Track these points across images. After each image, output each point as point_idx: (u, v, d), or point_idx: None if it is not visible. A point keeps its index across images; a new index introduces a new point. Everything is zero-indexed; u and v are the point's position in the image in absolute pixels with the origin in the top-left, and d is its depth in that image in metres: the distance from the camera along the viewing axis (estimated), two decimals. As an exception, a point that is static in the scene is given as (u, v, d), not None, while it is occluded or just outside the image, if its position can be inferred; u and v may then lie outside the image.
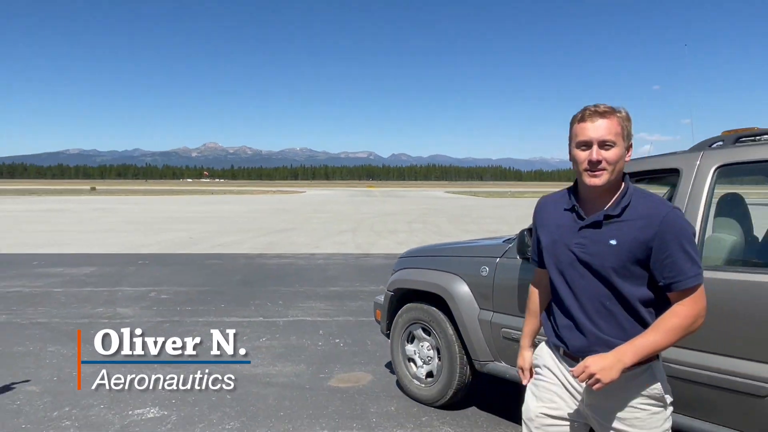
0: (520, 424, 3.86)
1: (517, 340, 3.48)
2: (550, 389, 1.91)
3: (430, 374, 4.20)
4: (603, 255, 1.72)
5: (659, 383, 1.78)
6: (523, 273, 3.48)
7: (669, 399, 1.81)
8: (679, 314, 1.67)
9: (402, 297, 4.47)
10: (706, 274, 2.69)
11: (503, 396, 4.37)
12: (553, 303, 1.94)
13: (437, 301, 4.10)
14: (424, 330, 4.22)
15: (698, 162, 2.92)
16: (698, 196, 2.83)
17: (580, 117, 1.75)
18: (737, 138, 2.93)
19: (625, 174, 1.80)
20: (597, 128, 1.69)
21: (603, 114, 1.70)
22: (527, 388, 2.03)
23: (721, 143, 2.99)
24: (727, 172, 2.88)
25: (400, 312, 4.43)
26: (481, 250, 4.02)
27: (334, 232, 18.88)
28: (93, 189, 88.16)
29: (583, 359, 1.75)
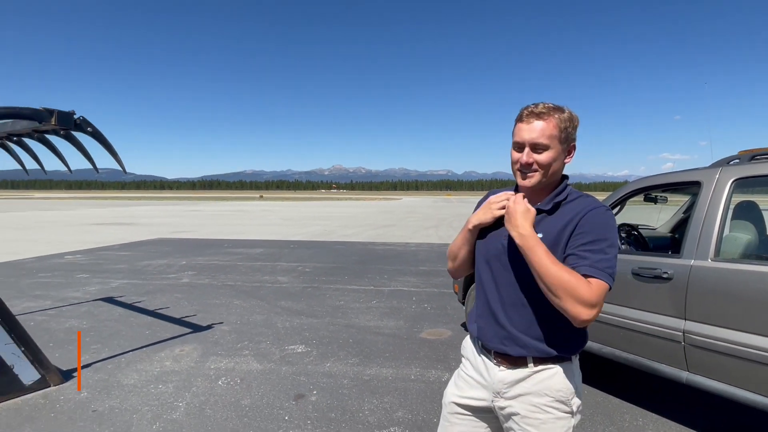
0: (591, 387, 3.65)
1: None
2: (467, 381, 1.44)
3: (494, 333, 4.07)
4: None
5: (568, 387, 1.30)
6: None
7: (576, 406, 1.31)
8: (580, 280, 1.15)
9: (474, 275, 4.38)
10: (725, 265, 2.44)
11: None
12: (476, 295, 1.48)
13: None
14: (491, 300, 4.10)
15: (718, 176, 2.65)
16: (717, 203, 2.58)
17: (519, 117, 1.30)
18: (753, 156, 2.61)
19: (565, 176, 1.36)
20: (530, 130, 1.25)
21: (539, 115, 1.25)
22: (454, 373, 1.54)
23: (737, 161, 2.68)
24: (743, 184, 2.59)
25: (472, 286, 4.33)
26: None
27: (422, 228, 18.76)
28: (261, 197, 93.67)
29: (495, 351, 1.36)
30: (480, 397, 1.40)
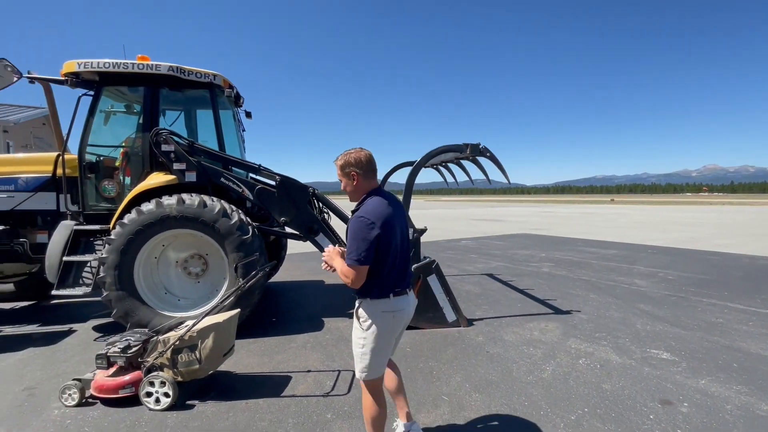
0: None
1: None
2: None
3: None
4: None
5: (361, 310, 1.93)
6: None
7: (366, 325, 1.91)
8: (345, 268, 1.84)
9: None
10: None
11: None
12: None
13: None
14: None
15: None
16: None
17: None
18: None
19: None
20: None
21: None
22: None
23: None
24: None
25: None
26: None
27: None
28: (612, 200, 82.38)
29: None
30: None
